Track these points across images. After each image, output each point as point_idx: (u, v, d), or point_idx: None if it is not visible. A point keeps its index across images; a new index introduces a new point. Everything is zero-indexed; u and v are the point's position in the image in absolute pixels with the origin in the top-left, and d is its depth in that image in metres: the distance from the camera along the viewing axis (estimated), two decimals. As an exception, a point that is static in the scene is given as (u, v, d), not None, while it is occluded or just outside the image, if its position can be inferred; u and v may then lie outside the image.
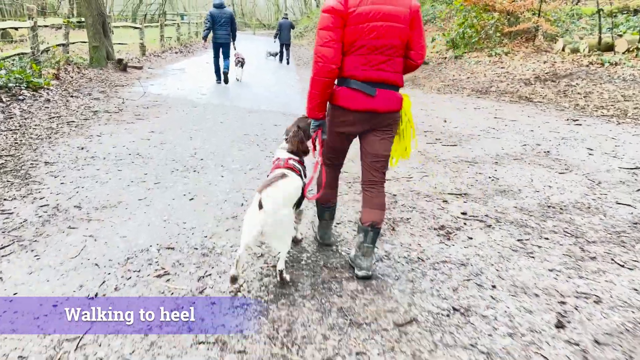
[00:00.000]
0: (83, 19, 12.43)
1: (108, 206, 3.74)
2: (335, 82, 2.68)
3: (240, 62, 11.72)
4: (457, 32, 15.04)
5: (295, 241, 3.12)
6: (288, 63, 17.87)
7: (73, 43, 12.55)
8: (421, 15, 2.69)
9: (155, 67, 13.88)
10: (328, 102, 2.73)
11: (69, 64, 10.74)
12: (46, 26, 12.14)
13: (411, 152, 2.99)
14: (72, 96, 8.01)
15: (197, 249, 3.09)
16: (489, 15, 14.72)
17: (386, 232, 3.45)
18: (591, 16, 14.11)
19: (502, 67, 12.47)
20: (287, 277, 2.69)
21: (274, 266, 2.82)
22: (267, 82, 12.09)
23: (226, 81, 11.07)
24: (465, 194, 4.36)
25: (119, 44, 15.50)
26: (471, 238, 3.42)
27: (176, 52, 19.34)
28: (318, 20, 2.62)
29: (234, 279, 2.53)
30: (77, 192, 3.99)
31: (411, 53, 2.68)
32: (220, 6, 10.62)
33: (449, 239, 3.39)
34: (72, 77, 9.56)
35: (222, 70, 11.03)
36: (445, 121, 7.60)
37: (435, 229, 3.56)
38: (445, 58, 14.87)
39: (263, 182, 2.66)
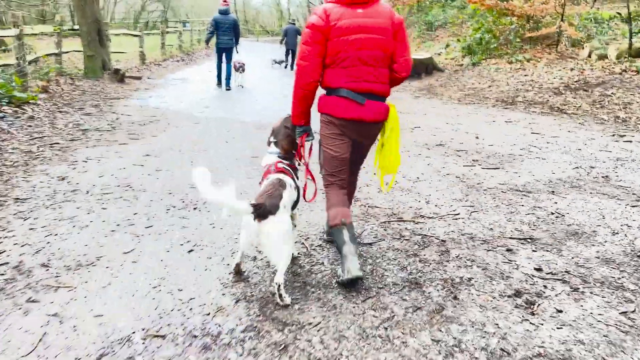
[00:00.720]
0: (78, 27, 11.67)
1: (84, 264, 2.92)
2: (325, 92, 2.80)
3: (241, 68, 11.73)
4: (473, 38, 14.23)
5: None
6: (292, 69, 17.11)
7: (66, 52, 11.78)
8: (405, 28, 2.75)
9: (155, 77, 13.11)
10: (319, 112, 2.83)
11: (62, 75, 9.96)
12: (35, 34, 11.37)
13: (399, 165, 2.96)
14: (60, 112, 7.22)
15: (196, 336, 2.26)
16: (507, 20, 13.92)
17: (447, 303, 2.61)
18: (609, 20, 13.26)
19: (525, 75, 11.64)
20: (288, 299, 2.49)
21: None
22: (273, 92, 11.29)
23: (228, 88, 11.20)
24: (530, 238, 3.52)
25: (117, 52, 14.77)
26: (561, 311, 2.57)
27: (178, 61, 18.62)
28: None
29: (237, 270, 2.72)
30: (48, 243, 3.17)
31: (395, 65, 2.74)
32: (225, 12, 10.85)
33: (532, 314, 2.54)
34: (63, 90, 8.78)
35: (224, 75, 11.23)
36: (477, 137, 6.77)
37: (509, 296, 2.72)
38: (462, 65, 14.06)
39: (259, 191, 2.64)
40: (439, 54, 15.68)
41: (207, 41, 11.37)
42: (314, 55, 2.64)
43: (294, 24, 18.02)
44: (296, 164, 2.97)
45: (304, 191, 2.96)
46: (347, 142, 2.79)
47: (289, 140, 2.89)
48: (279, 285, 2.44)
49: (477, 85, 11.93)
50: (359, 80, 2.65)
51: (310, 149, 3.00)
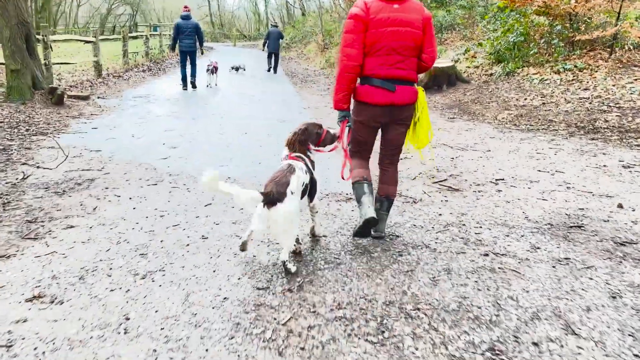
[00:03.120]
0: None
1: None
2: (358, 81, 3.07)
3: (213, 69, 12.35)
4: (504, 42, 11.72)
5: (297, 252, 3.03)
6: (275, 72, 17.15)
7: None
8: (432, 23, 3.05)
9: (110, 95, 10.19)
10: (352, 99, 3.13)
11: (-34, 99, 7.02)
12: None
13: (431, 139, 3.25)
14: None
15: None
16: (543, 20, 11.46)
17: None
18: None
19: (585, 89, 9.15)
20: (293, 268, 2.75)
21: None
22: (266, 117, 8.51)
23: (194, 87, 11.64)
24: None
25: (62, 63, 11.75)
26: None
27: (143, 71, 15.68)
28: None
29: (243, 247, 2.86)
30: None
31: (423, 56, 3.05)
32: (186, 18, 11.27)
33: None
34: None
35: (189, 79, 11.64)
36: (620, 207, 4.12)
37: None
38: (491, 75, 11.54)
39: (270, 177, 2.72)
40: (457, 60, 13.16)
41: (172, 48, 11.52)
42: (358, 42, 2.91)
43: (276, 26, 17.86)
44: (338, 146, 3.19)
45: (342, 171, 3.27)
46: (373, 130, 3.19)
47: (300, 141, 3.01)
48: (284, 262, 2.72)
49: (523, 101, 9.38)
50: (391, 67, 2.95)
51: (349, 133, 3.20)
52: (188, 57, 11.39)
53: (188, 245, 3.15)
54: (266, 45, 16.71)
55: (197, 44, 11.35)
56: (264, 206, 2.58)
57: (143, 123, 7.37)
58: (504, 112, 8.93)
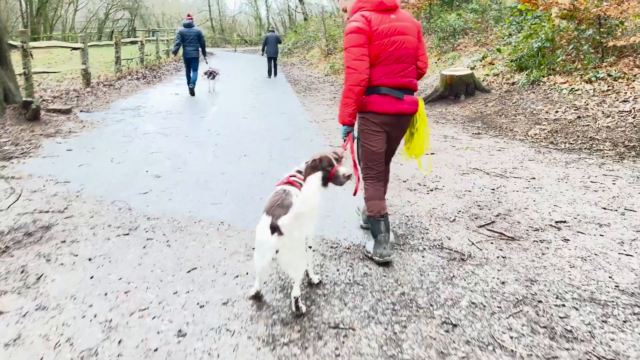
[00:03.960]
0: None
1: None
2: (365, 92, 3.05)
3: (212, 75, 12.44)
4: (527, 48, 10.76)
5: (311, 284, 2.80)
6: (275, 75, 17.35)
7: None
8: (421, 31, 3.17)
9: (96, 107, 9.24)
10: (360, 111, 3.10)
11: None
12: None
13: (427, 148, 3.28)
14: None
15: None
16: (569, 24, 10.50)
17: None
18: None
19: (624, 101, 8.18)
20: (303, 307, 2.48)
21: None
22: (268, 134, 7.55)
23: (192, 94, 11.71)
24: None
25: (43, 72, 10.81)
26: None
27: (138, 78, 14.76)
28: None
29: (256, 296, 2.58)
30: None
31: (418, 63, 3.16)
32: (189, 25, 11.78)
33: None
34: None
35: (190, 84, 11.69)
36: None
37: None
38: (514, 84, 10.57)
39: (268, 201, 2.52)
40: (473, 67, 12.19)
41: (175, 52, 12.04)
42: (364, 54, 2.92)
43: (273, 31, 17.79)
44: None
45: (356, 188, 3.10)
46: (383, 137, 3.14)
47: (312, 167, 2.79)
48: (297, 299, 2.44)
49: (554, 114, 8.41)
50: (396, 76, 3.00)
51: (355, 146, 3.23)
52: (191, 63, 11.71)
53: (156, 350, 2.17)
54: (265, 50, 16.83)
55: (200, 51, 11.81)
56: (272, 233, 2.31)
57: (127, 143, 6.41)
58: (535, 127, 7.96)
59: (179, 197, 4.35)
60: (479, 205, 4.36)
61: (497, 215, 4.10)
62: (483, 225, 3.87)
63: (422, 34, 3.15)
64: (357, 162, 3.21)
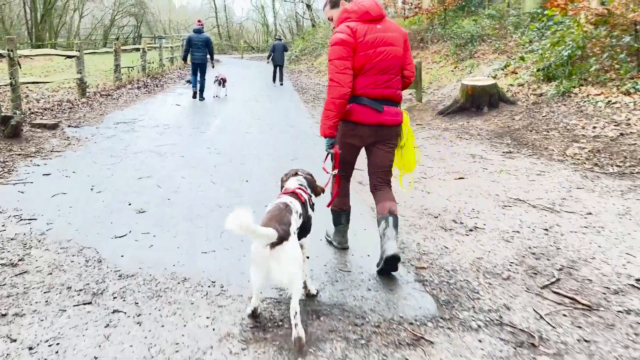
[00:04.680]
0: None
1: None
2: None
3: (221, 81, 12.45)
4: (556, 56, 9.91)
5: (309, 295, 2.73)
6: (282, 84, 17.02)
7: None
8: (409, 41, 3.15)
9: (88, 120, 8.51)
10: (341, 120, 3.04)
11: None
12: None
13: (415, 165, 3.27)
14: None
15: None
16: (601, 30, 9.65)
17: None
18: None
19: (673, 115, 7.31)
20: (302, 332, 2.26)
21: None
22: (275, 152, 6.75)
23: (201, 98, 11.97)
24: None
25: (33, 82, 10.10)
26: None
27: (138, 87, 14.07)
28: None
29: (254, 314, 2.48)
30: None
31: (405, 72, 3.13)
32: (198, 31, 11.98)
33: None
34: None
35: (197, 88, 12.01)
36: None
37: None
38: (541, 95, 9.71)
39: (266, 215, 2.43)
40: (495, 77, 11.35)
41: (185, 59, 12.29)
42: (348, 68, 2.90)
43: (280, 39, 17.88)
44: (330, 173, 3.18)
45: (333, 197, 3.26)
46: (356, 152, 3.22)
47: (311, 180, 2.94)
48: (296, 313, 2.28)
49: (592, 130, 7.55)
50: (379, 87, 2.97)
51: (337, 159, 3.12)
52: (199, 69, 11.87)
53: None
54: (271, 58, 16.88)
55: (208, 56, 11.93)
56: (265, 246, 2.26)
57: (113, 165, 5.63)
58: (573, 145, 7.10)
59: (163, 241, 3.55)
60: (533, 254, 3.52)
61: (561, 270, 3.26)
62: (547, 286, 3.03)
63: (408, 41, 3.12)
64: (338, 175, 3.20)
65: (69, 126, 7.73)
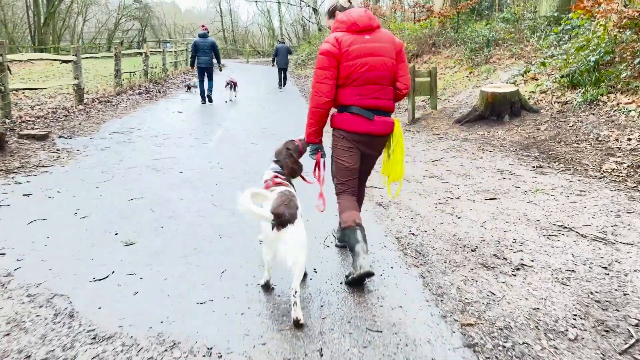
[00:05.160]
0: None
1: None
2: (337, 110, 3.06)
3: (232, 85, 12.80)
4: (582, 62, 9.28)
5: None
6: (285, 85, 17.25)
7: None
8: (404, 52, 3.09)
9: (82, 130, 7.95)
10: (332, 128, 3.11)
11: None
12: None
13: (403, 174, 3.20)
14: None
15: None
16: (631, 35, 9.02)
17: None
18: None
19: None
20: (300, 314, 2.43)
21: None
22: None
23: (210, 100, 12.21)
24: None
25: (21, 89, 9.57)
26: None
27: (140, 93, 13.54)
28: (319, 48, 3.08)
29: (266, 285, 2.76)
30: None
31: (397, 84, 3.08)
32: (203, 36, 12.05)
33: None
34: None
35: (206, 92, 12.19)
36: None
37: None
38: (566, 103, 9.08)
39: (275, 201, 2.54)
40: (515, 83, 10.72)
41: (192, 64, 12.20)
42: (329, 78, 2.90)
43: (284, 42, 18.16)
44: (309, 178, 3.25)
45: (323, 202, 3.12)
46: (356, 154, 3.09)
47: (292, 160, 3.09)
48: (296, 292, 2.42)
49: (627, 142, 6.92)
50: (367, 97, 2.95)
51: (324, 164, 3.17)
52: (205, 73, 12.09)
53: None
54: (275, 61, 16.80)
55: (215, 60, 12.14)
56: (272, 228, 2.44)
57: (103, 183, 5.06)
58: (609, 159, 6.47)
59: (151, 286, 2.95)
60: (598, 301, 2.90)
61: (637, 326, 2.64)
62: (625, 351, 2.41)
63: (404, 53, 3.07)
64: (322, 179, 3.17)
65: (60, 137, 7.17)
